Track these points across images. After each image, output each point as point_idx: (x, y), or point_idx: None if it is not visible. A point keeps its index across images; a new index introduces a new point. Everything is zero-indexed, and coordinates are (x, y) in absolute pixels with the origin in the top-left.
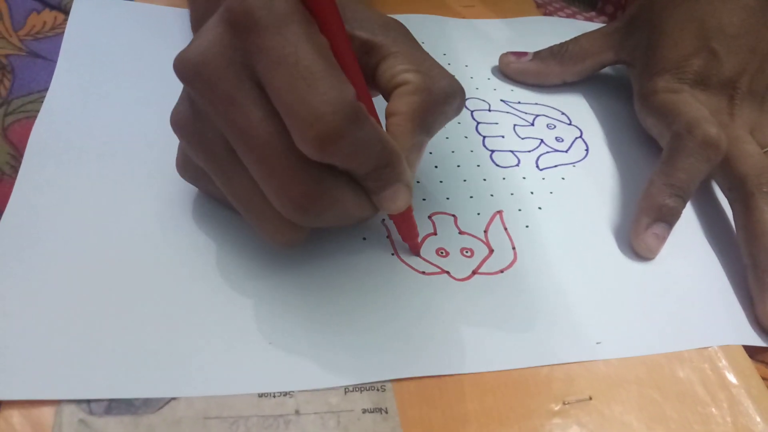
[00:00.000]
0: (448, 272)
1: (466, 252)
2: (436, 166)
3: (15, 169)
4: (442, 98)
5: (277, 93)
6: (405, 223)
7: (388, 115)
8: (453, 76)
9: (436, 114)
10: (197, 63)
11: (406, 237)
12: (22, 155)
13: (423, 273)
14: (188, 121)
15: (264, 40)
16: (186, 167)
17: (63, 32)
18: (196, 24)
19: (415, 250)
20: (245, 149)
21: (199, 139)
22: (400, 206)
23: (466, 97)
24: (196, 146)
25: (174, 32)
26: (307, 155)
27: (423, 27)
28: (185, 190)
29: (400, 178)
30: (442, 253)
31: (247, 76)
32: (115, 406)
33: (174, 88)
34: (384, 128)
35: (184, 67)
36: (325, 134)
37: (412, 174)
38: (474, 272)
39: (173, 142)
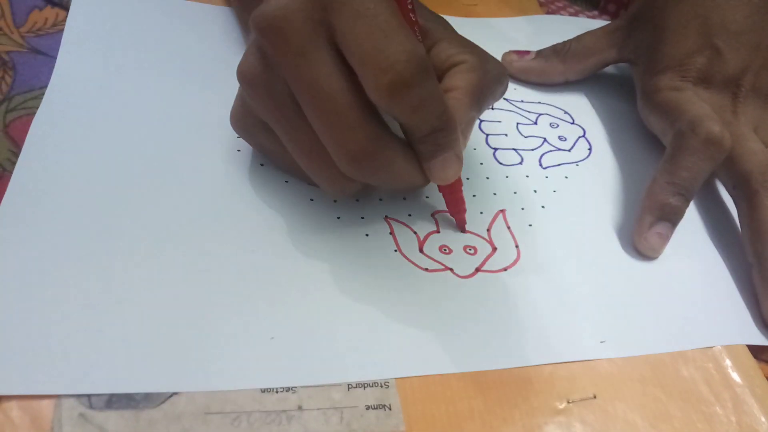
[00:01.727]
0: (451, 269)
1: (470, 249)
2: None
3: None
4: (495, 77)
5: (354, 43)
6: (453, 196)
7: (445, 91)
8: (499, 61)
9: (488, 92)
10: (276, 17)
11: (453, 211)
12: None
13: (426, 270)
14: (256, 72)
15: None
16: (243, 120)
17: (64, 29)
18: None
19: (461, 226)
20: (309, 101)
21: (266, 90)
22: (449, 176)
23: None
24: (262, 97)
25: (174, 24)
26: (377, 103)
27: None
28: (184, 185)
29: (453, 146)
30: (445, 250)
31: (322, 32)
32: (116, 401)
33: (175, 80)
34: None
35: (262, 20)
36: (398, 81)
37: (463, 147)
38: (477, 269)
39: (172, 137)
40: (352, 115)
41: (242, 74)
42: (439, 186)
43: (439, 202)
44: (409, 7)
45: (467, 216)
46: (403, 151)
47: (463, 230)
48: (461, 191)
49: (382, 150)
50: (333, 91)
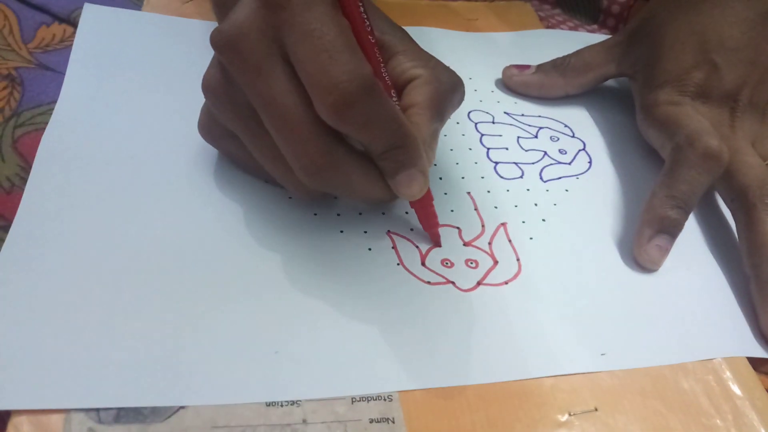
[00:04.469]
0: (453, 282)
1: (471, 263)
2: (440, 178)
3: (25, 181)
4: (450, 87)
5: (302, 63)
6: (423, 210)
7: (404, 108)
8: (453, 71)
9: (446, 102)
10: (232, 35)
11: (425, 226)
12: (32, 167)
13: (428, 283)
14: (219, 84)
15: (293, 16)
16: (209, 128)
17: (72, 45)
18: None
19: (435, 240)
20: (266, 115)
21: (229, 101)
22: (415, 192)
23: (471, 109)
24: (225, 108)
25: (181, 42)
26: (326, 121)
27: (428, 39)
28: (192, 199)
29: (415, 163)
30: (447, 263)
31: (276, 50)
32: (124, 415)
33: (182, 97)
34: None
35: (220, 38)
36: (342, 101)
37: (429, 162)
38: (479, 283)
39: (181, 150)
40: (305, 129)
41: (206, 86)
42: (410, 201)
43: (440, 216)
44: (366, 23)
45: (469, 228)
46: (362, 165)
47: (438, 245)
48: (432, 206)
49: (336, 164)
50: (286, 107)
